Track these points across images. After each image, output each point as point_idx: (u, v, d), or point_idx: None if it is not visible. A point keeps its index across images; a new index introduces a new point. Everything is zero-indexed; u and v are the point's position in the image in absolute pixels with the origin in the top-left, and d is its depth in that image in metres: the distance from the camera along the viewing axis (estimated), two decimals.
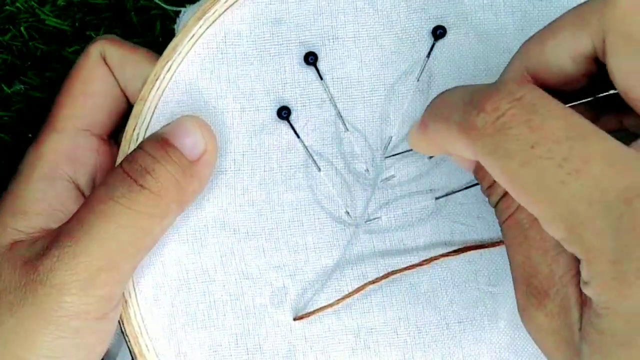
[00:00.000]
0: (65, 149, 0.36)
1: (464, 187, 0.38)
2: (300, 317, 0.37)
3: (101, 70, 0.37)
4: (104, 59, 0.37)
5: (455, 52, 0.38)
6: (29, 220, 0.35)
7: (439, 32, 0.37)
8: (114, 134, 0.38)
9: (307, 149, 0.37)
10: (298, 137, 0.37)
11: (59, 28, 0.40)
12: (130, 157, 0.34)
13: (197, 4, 0.38)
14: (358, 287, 0.37)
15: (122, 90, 0.37)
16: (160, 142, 0.34)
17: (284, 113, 0.37)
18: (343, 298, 0.37)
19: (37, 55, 0.41)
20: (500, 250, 0.38)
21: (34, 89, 0.41)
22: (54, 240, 0.33)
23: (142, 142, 0.34)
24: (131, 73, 0.37)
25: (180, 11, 0.39)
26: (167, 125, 0.35)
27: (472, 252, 0.37)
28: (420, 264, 0.37)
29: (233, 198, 0.37)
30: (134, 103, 0.37)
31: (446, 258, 0.37)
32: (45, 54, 0.41)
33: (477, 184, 0.38)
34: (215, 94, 0.37)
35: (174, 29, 0.38)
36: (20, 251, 0.34)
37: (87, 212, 0.33)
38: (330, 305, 0.37)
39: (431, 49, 0.37)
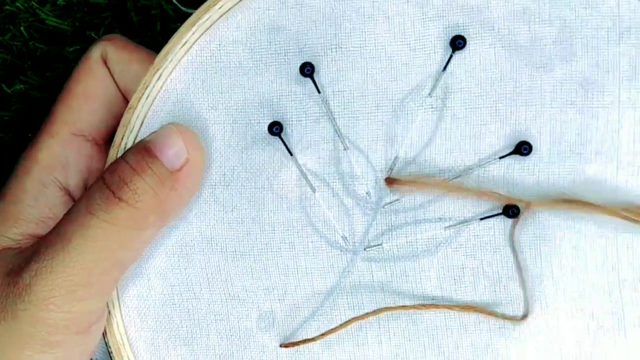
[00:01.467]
0: (58, 155, 0.35)
1: (481, 217, 0.34)
2: (287, 345, 0.35)
3: (100, 74, 0.36)
4: (105, 61, 0.36)
5: (477, 66, 0.33)
6: (19, 227, 0.35)
7: (458, 43, 0.33)
8: (112, 137, 0.37)
9: (300, 168, 0.34)
10: (291, 154, 0.34)
11: (59, 28, 0.39)
12: (111, 168, 0.33)
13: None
14: (343, 323, 0.34)
15: (122, 93, 0.36)
16: (141, 152, 0.32)
17: (275, 129, 0.34)
18: (328, 332, 0.34)
19: (37, 55, 0.41)
20: (519, 289, 0.34)
21: (34, 89, 0.41)
22: (33, 253, 0.32)
23: (125, 152, 0.33)
24: (131, 75, 0.36)
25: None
26: (151, 133, 0.33)
27: (484, 288, 0.34)
28: (417, 307, 0.34)
29: (221, 214, 0.35)
30: None
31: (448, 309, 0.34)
32: (45, 53, 0.41)
33: (495, 215, 0.34)
34: (207, 105, 0.35)
35: (174, 29, 0.36)
36: (6, 259, 0.33)
37: (65, 226, 0.32)
38: (316, 338, 0.34)
39: (448, 61, 0.33)
